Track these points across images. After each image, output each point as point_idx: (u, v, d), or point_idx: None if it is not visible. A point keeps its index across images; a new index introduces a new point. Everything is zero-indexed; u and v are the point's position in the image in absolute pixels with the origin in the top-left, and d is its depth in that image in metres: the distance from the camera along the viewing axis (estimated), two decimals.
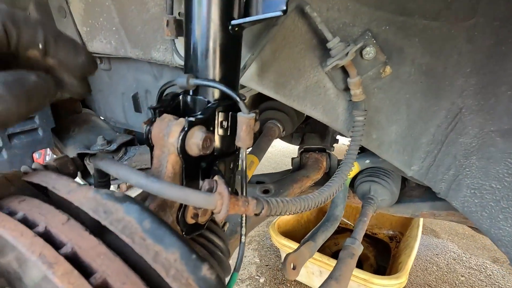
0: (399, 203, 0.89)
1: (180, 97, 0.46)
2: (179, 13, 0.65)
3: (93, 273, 0.25)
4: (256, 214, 0.39)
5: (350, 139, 0.60)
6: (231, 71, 0.45)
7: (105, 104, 1.07)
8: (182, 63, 0.69)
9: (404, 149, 0.64)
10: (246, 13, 0.44)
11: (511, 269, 1.52)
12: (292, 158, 1.00)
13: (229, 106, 0.45)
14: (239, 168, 0.47)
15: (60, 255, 0.24)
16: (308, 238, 0.82)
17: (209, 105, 0.43)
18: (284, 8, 0.39)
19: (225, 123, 0.45)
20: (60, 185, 0.29)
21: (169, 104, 0.45)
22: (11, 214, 0.29)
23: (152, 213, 0.29)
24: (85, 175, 1.09)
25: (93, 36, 0.83)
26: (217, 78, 0.44)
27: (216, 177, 0.38)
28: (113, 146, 1.06)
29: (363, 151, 0.89)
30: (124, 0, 0.72)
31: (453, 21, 0.50)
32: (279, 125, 0.94)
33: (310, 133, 1.24)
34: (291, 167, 1.07)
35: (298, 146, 1.39)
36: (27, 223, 0.28)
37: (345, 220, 1.83)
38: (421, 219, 1.44)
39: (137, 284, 0.25)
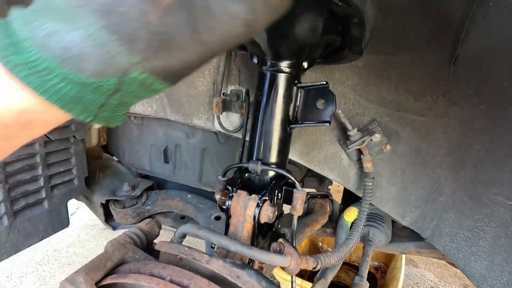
0: (391, 243, 1.06)
1: (246, 175, 0.61)
2: (223, 94, 0.82)
3: None
4: (313, 268, 0.53)
5: (362, 198, 0.78)
6: (285, 157, 0.61)
7: (131, 153, 1.17)
8: (222, 130, 0.84)
9: (399, 204, 0.83)
10: (297, 117, 0.61)
11: None
12: None
13: (284, 183, 0.60)
14: (289, 229, 0.62)
15: None
16: (320, 276, 0.96)
17: (272, 184, 0.58)
18: (329, 120, 0.57)
19: (279, 195, 0.61)
20: (198, 257, 0.42)
21: (239, 181, 0.59)
22: (161, 278, 0.41)
23: (262, 274, 0.42)
24: (108, 219, 1.16)
25: None
26: (276, 163, 0.60)
27: (281, 240, 0.52)
28: (137, 192, 1.15)
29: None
30: None
31: (433, 118, 0.71)
32: None
33: (310, 177, 1.41)
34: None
35: None
36: (178, 285, 0.40)
37: None
38: None
39: None
